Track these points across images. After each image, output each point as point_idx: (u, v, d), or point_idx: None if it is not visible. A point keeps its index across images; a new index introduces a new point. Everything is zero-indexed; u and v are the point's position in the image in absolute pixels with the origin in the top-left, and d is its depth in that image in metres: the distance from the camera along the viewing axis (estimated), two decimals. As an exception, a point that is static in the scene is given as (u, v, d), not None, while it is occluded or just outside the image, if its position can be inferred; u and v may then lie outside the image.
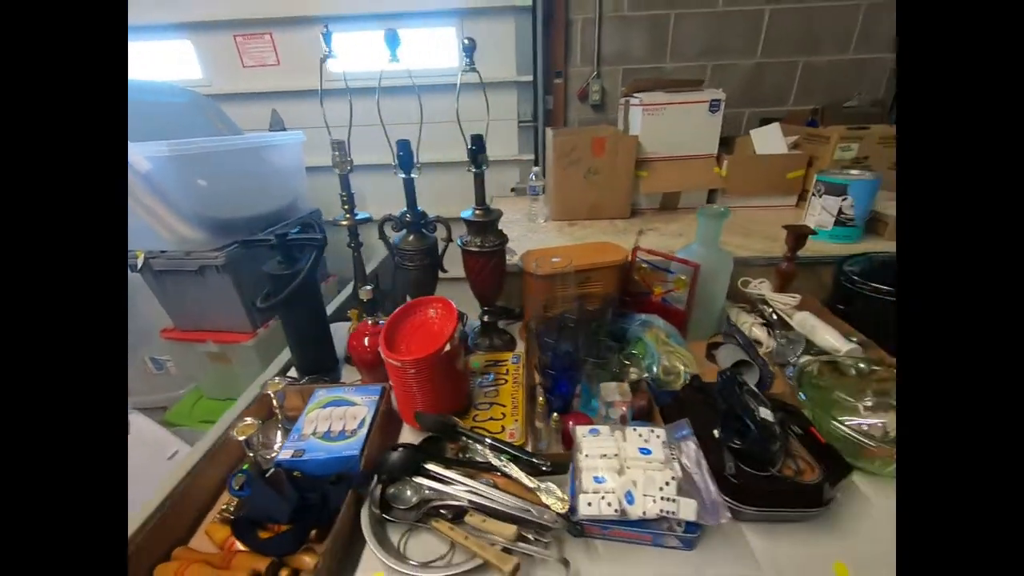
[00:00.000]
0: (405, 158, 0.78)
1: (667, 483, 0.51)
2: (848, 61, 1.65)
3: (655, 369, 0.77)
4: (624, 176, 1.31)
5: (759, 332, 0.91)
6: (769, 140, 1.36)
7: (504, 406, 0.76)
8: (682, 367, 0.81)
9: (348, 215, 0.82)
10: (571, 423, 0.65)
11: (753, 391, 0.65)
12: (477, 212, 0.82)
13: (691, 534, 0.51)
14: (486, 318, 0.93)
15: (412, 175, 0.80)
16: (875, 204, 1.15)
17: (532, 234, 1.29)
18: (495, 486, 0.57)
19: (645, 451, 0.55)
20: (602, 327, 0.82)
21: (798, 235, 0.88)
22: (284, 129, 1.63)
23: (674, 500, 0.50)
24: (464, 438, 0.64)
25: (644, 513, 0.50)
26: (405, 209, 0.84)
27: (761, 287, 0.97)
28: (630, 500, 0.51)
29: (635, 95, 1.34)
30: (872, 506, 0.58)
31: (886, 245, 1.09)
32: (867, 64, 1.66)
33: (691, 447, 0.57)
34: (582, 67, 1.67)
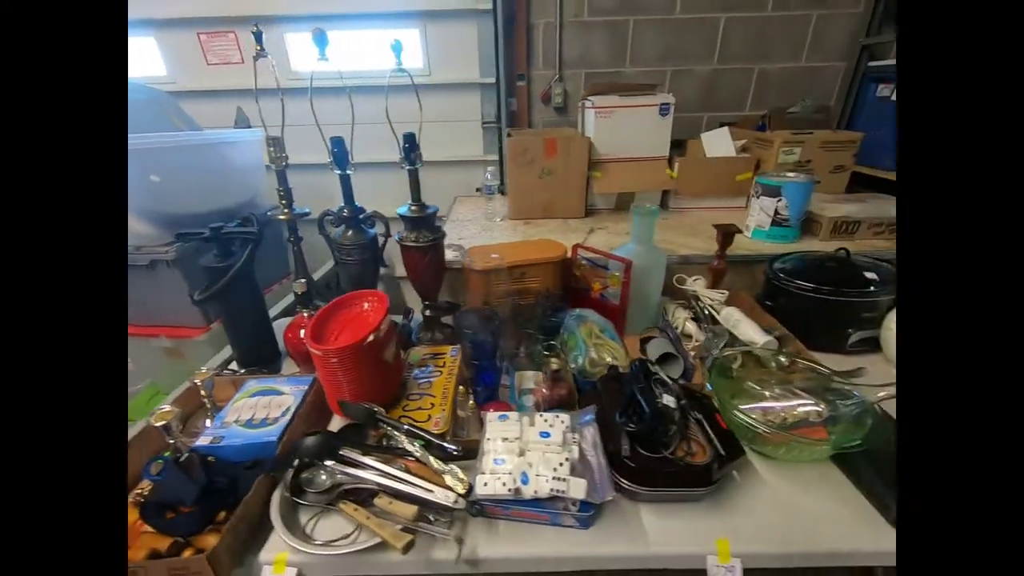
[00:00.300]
0: (339, 155, 0.80)
1: (561, 464, 0.54)
2: (801, 69, 1.71)
3: (581, 361, 0.80)
4: (577, 177, 1.34)
5: (691, 326, 0.94)
6: (719, 144, 1.40)
7: (435, 396, 0.78)
8: (610, 359, 0.84)
9: (286, 210, 0.83)
10: (490, 411, 0.68)
11: (663, 379, 0.68)
12: (412, 208, 0.84)
13: (585, 513, 0.54)
14: (428, 312, 0.95)
15: (348, 171, 0.82)
16: (810, 205, 1.20)
17: (486, 232, 1.31)
18: (407, 470, 0.60)
19: (545, 435, 0.57)
20: (531, 321, 0.84)
21: (726, 233, 0.92)
22: (249, 126, 1.64)
23: (565, 480, 0.52)
24: (384, 426, 0.66)
25: (536, 492, 0.52)
26: (343, 205, 0.86)
27: (696, 284, 1.01)
28: (524, 480, 0.53)
29: (589, 98, 1.37)
30: (765, 486, 0.61)
31: (820, 245, 1.14)
32: (819, 72, 1.72)
33: (592, 431, 0.59)
34: (544, 70, 1.71)
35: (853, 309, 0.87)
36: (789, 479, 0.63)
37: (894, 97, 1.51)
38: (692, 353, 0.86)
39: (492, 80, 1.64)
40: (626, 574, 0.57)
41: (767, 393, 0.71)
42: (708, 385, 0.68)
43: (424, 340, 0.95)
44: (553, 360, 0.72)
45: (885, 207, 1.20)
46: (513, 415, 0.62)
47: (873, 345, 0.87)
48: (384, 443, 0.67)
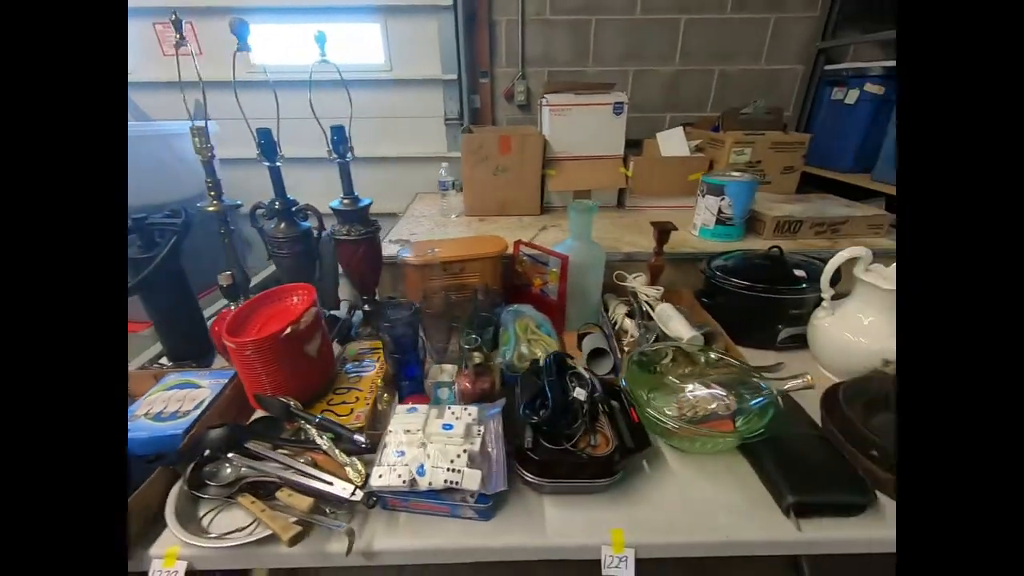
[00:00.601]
0: (266, 146, 0.79)
1: (458, 456, 0.54)
2: (760, 71, 1.74)
3: (509, 355, 0.80)
4: (532, 174, 1.35)
5: (628, 322, 0.95)
6: (673, 143, 1.42)
7: (362, 391, 0.77)
8: (542, 354, 0.85)
9: (215, 201, 0.82)
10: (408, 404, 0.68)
11: (579, 373, 0.69)
12: (344, 202, 0.84)
13: (483, 504, 0.54)
14: (367, 307, 0.95)
15: (276, 163, 0.81)
16: (757, 205, 1.22)
17: (440, 228, 1.31)
18: (314, 463, 0.59)
19: (447, 427, 0.57)
20: (461, 317, 0.84)
21: (661, 231, 0.93)
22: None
23: (460, 472, 0.52)
24: (298, 419, 0.66)
25: (431, 483, 0.52)
26: (274, 197, 0.85)
27: (635, 281, 1.01)
28: (421, 472, 0.53)
29: (545, 96, 1.38)
30: (674, 478, 0.62)
31: (765, 244, 1.15)
32: (778, 74, 1.75)
33: (496, 424, 0.59)
34: (508, 67, 1.71)
35: (782, 306, 0.88)
36: (698, 470, 0.64)
37: (847, 100, 1.54)
38: (627, 348, 0.87)
39: (454, 77, 1.64)
40: (530, 566, 0.57)
41: (686, 387, 0.72)
42: (622, 380, 0.69)
43: (363, 335, 0.95)
44: (475, 354, 0.73)
45: (828, 207, 1.23)
46: (423, 408, 0.62)
47: (802, 341, 0.89)
48: (300, 436, 0.66)
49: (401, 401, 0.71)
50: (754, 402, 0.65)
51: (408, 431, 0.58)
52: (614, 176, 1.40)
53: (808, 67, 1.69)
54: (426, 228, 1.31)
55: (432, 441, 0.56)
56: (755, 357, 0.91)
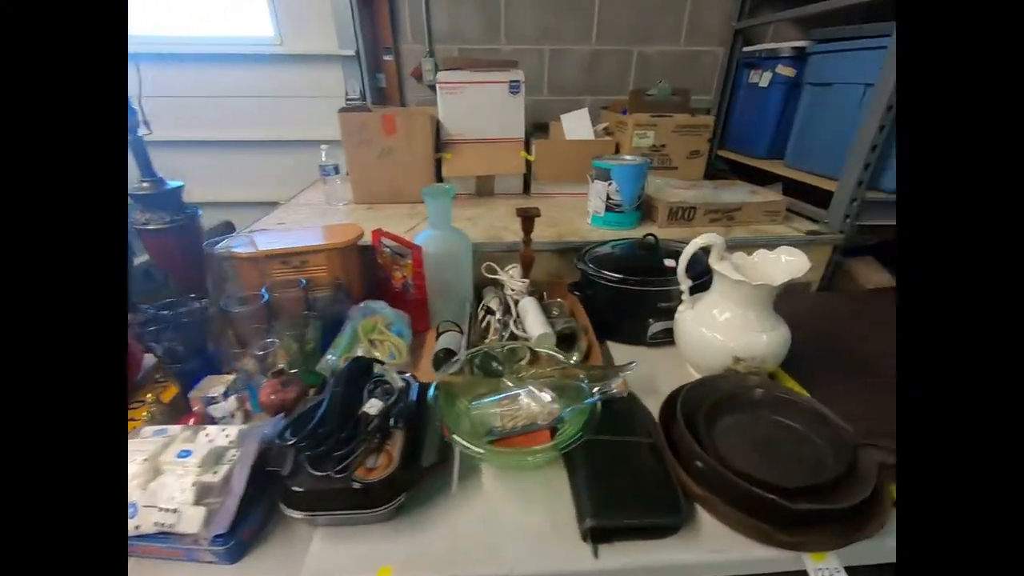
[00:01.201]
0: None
1: (183, 491, 0.44)
2: (681, 52, 1.68)
3: (333, 359, 0.71)
4: (423, 158, 1.25)
5: (491, 319, 0.87)
6: (578, 126, 1.34)
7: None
8: (386, 356, 0.76)
9: None
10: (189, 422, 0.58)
11: (386, 380, 0.60)
12: (144, 186, 0.72)
13: (221, 546, 0.45)
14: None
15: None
16: (656, 191, 1.15)
17: (322, 218, 1.20)
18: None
19: (184, 454, 0.48)
20: (285, 317, 0.74)
21: (525, 217, 0.85)
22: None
23: (176, 511, 0.43)
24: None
25: (139, 528, 0.43)
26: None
27: (509, 273, 0.94)
28: (133, 512, 0.43)
29: (437, 73, 1.27)
30: (481, 499, 0.55)
31: (660, 232, 1.09)
32: (699, 56, 1.69)
33: (252, 446, 0.50)
34: (414, 44, 1.59)
35: (650, 299, 0.82)
36: (513, 487, 0.56)
37: (762, 83, 1.49)
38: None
39: (352, 52, 1.51)
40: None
41: (521, 392, 0.65)
42: (431, 391, 0.60)
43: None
44: (277, 359, 0.63)
45: (726, 193, 1.17)
46: (175, 429, 0.52)
47: (672, 337, 0.83)
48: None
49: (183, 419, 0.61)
50: (566, 411, 0.58)
51: (145, 460, 0.48)
52: (515, 161, 1.31)
53: (727, 49, 1.63)
54: (302, 217, 1.19)
55: (164, 471, 0.47)
56: (625, 354, 0.85)
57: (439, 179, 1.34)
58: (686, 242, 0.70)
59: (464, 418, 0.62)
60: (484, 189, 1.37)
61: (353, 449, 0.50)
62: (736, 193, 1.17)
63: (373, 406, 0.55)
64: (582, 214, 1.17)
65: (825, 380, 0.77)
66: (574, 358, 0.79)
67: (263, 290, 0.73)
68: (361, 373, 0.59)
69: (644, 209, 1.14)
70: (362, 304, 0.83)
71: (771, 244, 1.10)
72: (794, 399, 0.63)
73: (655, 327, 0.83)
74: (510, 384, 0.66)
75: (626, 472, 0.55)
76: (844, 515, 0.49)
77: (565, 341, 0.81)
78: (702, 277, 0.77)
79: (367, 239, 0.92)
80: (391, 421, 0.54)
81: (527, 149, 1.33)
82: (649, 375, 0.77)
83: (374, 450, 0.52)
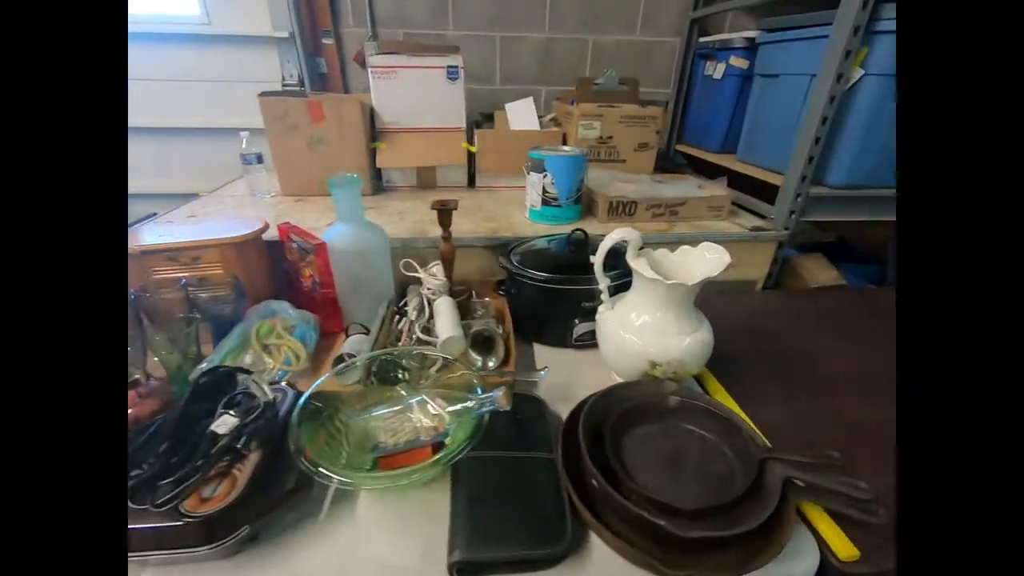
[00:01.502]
0: None
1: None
2: (637, 42, 1.63)
3: (206, 368, 0.64)
4: (355, 147, 1.17)
5: (403, 320, 0.81)
6: (523, 115, 1.28)
7: None
8: (279, 365, 0.69)
9: None
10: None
11: (251, 393, 0.53)
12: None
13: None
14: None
15: None
16: (592, 183, 1.10)
17: (240, 210, 1.11)
18: None
19: None
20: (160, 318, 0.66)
21: (440, 211, 0.78)
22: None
23: None
24: None
25: None
26: None
27: (430, 271, 0.87)
28: None
29: (368, 57, 1.19)
30: (351, 525, 0.48)
31: (602, 228, 1.04)
32: (655, 47, 1.65)
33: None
34: (356, 28, 1.50)
35: (575, 299, 0.76)
36: (389, 512, 0.50)
37: (716, 75, 1.45)
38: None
39: (287, 34, 1.41)
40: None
41: (413, 402, 0.59)
42: (295, 410, 0.53)
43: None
44: (136, 374, 0.56)
45: (668, 187, 1.13)
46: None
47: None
48: None
49: None
50: (451, 425, 0.52)
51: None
52: (456, 151, 1.24)
53: (683, 39, 1.59)
54: (220, 209, 1.10)
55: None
56: (551, 357, 0.79)
57: (376, 170, 1.27)
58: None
59: (348, 433, 0.55)
60: (426, 181, 1.30)
61: (186, 475, 0.43)
62: (681, 188, 1.13)
63: (224, 424, 0.48)
64: (523, 208, 1.12)
65: (755, 384, 0.73)
66: (491, 363, 0.74)
67: (132, 291, 0.65)
68: (219, 385, 0.52)
69: (585, 203, 1.09)
70: (261, 305, 0.76)
71: (714, 240, 1.07)
72: (709, 407, 0.58)
73: (580, 328, 0.78)
74: (403, 393, 0.60)
75: (514, 494, 0.49)
76: (744, 539, 0.45)
77: (483, 344, 0.75)
78: (627, 276, 0.72)
79: (273, 233, 0.84)
80: (242, 441, 0.47)
81: (470, 140, 1.26)
82: (568, 381, 0.72)
83: (220, 475, 0.45)
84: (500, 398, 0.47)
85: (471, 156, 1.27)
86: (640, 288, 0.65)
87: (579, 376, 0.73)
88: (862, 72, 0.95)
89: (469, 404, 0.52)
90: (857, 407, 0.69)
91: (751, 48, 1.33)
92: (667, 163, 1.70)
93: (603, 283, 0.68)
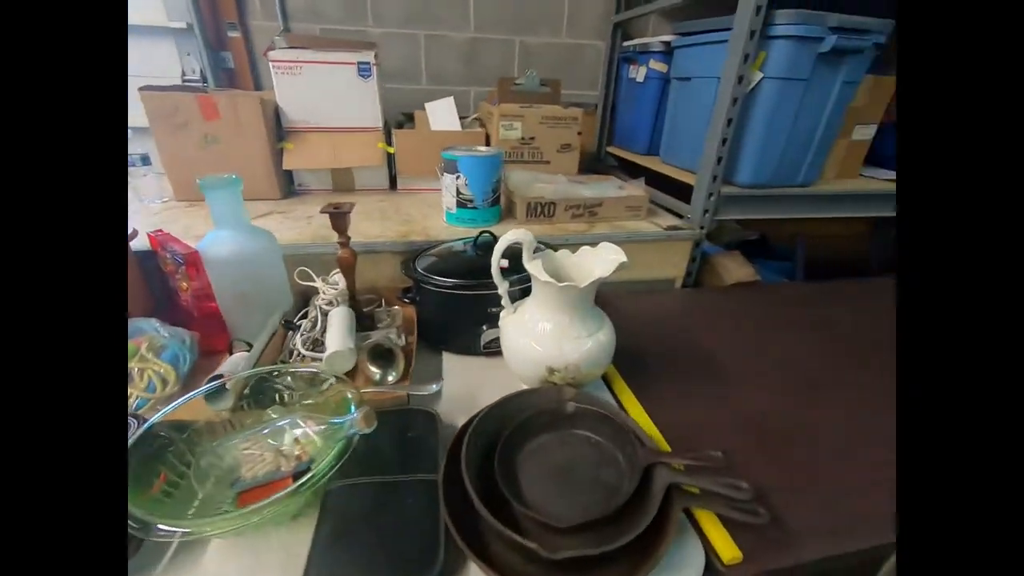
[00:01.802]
0: None
1: None
2: (564, 45, 1.64)
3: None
4: (257, 148, 1.08)
5: (296, 335, 0.75)
6: (443, 115, 1.24)
7: None
8: (141, 390, 0.61)
9: None
10: None
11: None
12: None
13: None
14: None
15: None
16: (513, 184, 1.08)
17: (130, 219, 1.00)
18: None
19: None
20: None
21: (333, 215, 0.73)
22: None
23: None
24: None
25: None
26: None
27: (336, 277, 0.81)
28: None
29: (271, 51, 1.11)
30: (200, 567, 0.42)
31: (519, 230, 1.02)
32: (582, 49, 1.66)
33: None
34: (266, 21, 1.41)
35: (480, 304, 0.73)
36: (243, 552, 0.44)
37: (639, 79, 1.48)
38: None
39: (183, 25, 1.30)
40: None
41: (283, 425, 0.53)
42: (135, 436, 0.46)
43: None
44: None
45: (592, 188, 1.13)
46: None
47: (508, 344, 0.75)
48: None
49: None
50: (313, 455, 0.47)
51: None
52: (372, 152, 1.18)
53: (608, 43, 1.61)
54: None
55: None
56: (458, 365, 0.75)
57: (287, 172, 1.18)
58: (556, 240, 0.62)
59: (210, 467, 0.49)
60: (342, 184, 1.23)
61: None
62: (601, 188, 1.13)
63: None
64: (443, 211, 1.07)
65: (663, 383, 0.73)
66: (391, 377, 0.69)
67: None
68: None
69: (506, 205, 1.06)
70: (132, 323, 0.67)
71: (632, 241, 1.07)
72: (604, 412, 0.56)
73: (488, 335, 0.75)
74: (274, 416, 0.54)
75: (384, 524, 0.45)
76: (628, 552, 0.42)
77: (382, 357, 0.70)
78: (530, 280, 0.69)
79: (145, 243, 0.75)
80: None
81: (390, 140, 1.21)
82: (474, 391, 0.69)
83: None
84: (359, 420, 0.43)
85: (392, 157, 1.22)
86: (537, 292, 0.62)
87: (486, 385, 0.69)
88: (761, 75, 0.98)
89: (339, 425, 0.47)
90: (758, 400, 0.70)
91: (668, 52, 1.36)
92: (598, 165, 1.72)
93: (502, 287, 0.65)
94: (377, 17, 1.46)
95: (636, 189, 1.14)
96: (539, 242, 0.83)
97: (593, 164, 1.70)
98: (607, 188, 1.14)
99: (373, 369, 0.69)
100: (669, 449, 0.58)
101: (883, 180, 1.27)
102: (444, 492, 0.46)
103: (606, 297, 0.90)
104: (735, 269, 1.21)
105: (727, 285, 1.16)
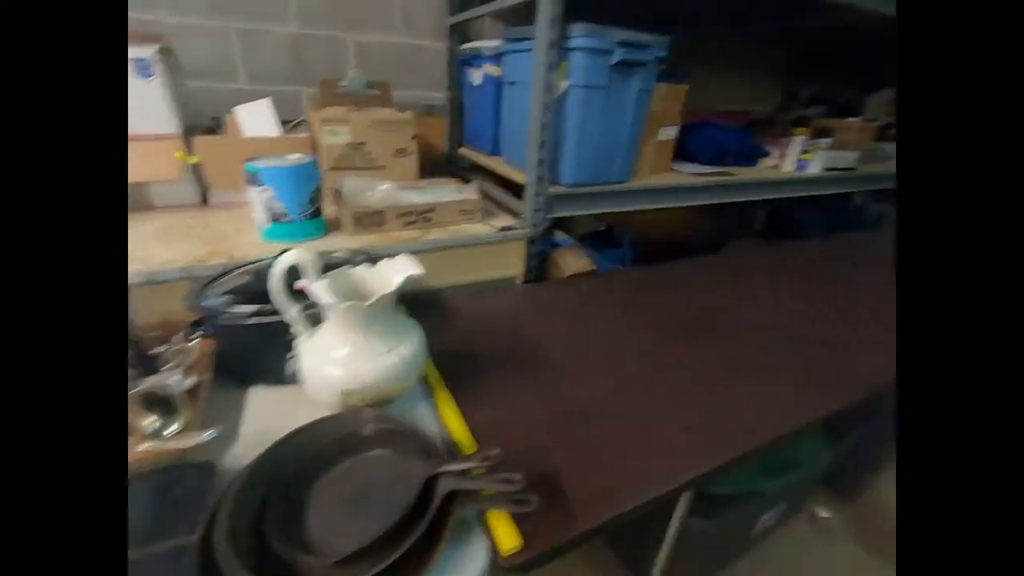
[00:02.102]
0: None
1: None
2: (403, 45, 1.60)
3: None
4: None
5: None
6: (259, 120, 1.13)
7: None
8: None
9: None
10: None
11: None
12: None
13: None
14: None
15: None
16: (346, 192, 1.03)
17: None
18: None
19: None
20: None
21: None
22: None
23: None
24: None
25: None
26: None
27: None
28: None
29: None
30: None
31: (355, 243, 0.97)
32: (423, 50, 1.65)
33: None
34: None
35: (281, 331, 0.68)
36: None
37: (477, 82, 1.51)
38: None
39: None
40: None
41: None
42: None
43: None
44: None
45: (424, 193, 1.12)
46: None
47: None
48: None
49: None
50: None
51: None
52: (168, 163, 1.03)
53: (447, 44, 1.62)
54: None
55: None
56: (268, 398, 0.69)
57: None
58: (372, 251, 0.58)
59: None
60: (136, 201, 1.06)
61: None
62: (436, 193, 1.13)
63: None
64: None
65: (485, 383, 0.75)
66: (175, 426, 0.61)
67: None
68: None
69: (335, 216, 1.01)
70: None
71: (467, 244, 1.09)
72: (400, 428, 0.56)
73: (294, 363, 0.70)
74: None
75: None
76: (403, 568, 0.43)
77: (162, 406, 0.62)
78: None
79: None
80: None
81: (187, 149, 1.06)
82: (278, 425, 0.63)
83: None
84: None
85: (194, 168, 1.07)
86: (328, 313, 0.59)
87: (292, 417, 0.64)
88: (567, 83, 1.06)
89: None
90: (585, 386, 0.76)
91: (500, 56, 1.40)
92: (452, 167, 1.72)
93: (289, 313, 0.61)
94: (179, 6, 1.27)
95: (470, 192, 1.17)
96: (365, 254, 0.81)
97: (444, 166, 1.69)
98: (442, 193, 1.14)
99: (150, 420, 0.60)
100: (474, 450, 0.60)
101: (688, 174, 1.46)
102: (199, 560, 0.42)
103: (449, 301, 0.91)
104: (572, 261, 1.30)
105: (565, 277, 1.25)
